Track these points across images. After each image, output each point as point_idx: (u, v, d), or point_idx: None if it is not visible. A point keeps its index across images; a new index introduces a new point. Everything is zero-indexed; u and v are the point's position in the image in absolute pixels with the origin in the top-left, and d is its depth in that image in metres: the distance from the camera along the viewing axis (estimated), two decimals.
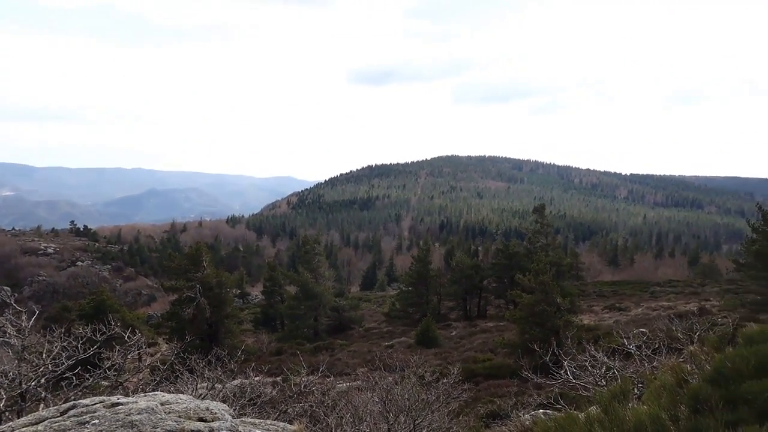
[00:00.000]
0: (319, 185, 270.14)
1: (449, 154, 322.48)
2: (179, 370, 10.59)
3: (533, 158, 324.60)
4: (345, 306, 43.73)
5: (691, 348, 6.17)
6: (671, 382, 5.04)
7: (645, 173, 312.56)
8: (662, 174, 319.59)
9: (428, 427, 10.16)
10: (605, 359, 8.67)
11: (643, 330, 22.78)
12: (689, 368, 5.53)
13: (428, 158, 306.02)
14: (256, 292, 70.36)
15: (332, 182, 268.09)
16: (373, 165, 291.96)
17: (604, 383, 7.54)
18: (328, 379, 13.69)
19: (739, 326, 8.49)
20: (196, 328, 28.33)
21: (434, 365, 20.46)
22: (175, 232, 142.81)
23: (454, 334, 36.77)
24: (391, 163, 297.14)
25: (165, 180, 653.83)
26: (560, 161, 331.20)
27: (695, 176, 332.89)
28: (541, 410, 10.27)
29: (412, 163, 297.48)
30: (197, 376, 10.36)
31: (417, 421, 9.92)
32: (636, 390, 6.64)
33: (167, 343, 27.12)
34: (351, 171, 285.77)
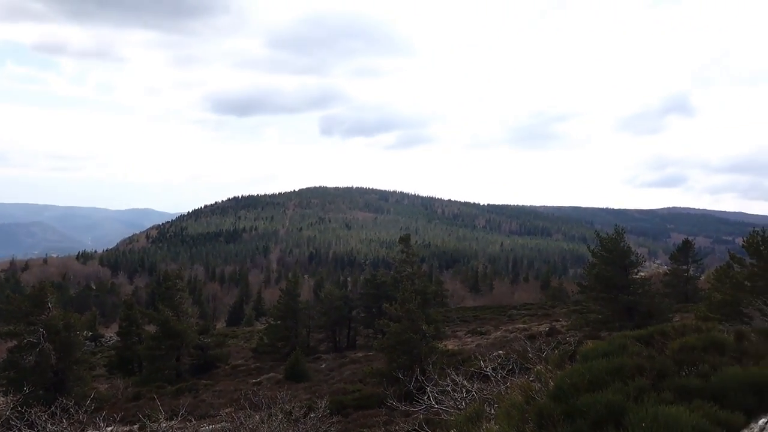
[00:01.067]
0: (181, 217, 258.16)
1: (317, 185, 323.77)
2: (17, 426, 9.52)
3: (399, 189, 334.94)
4: (210, 343, 41.75)
5: (538, 367, 6.67)
6: (520, 401, 5.41)
7: (501, 203, 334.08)
8: (516, 204, 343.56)
9: None
10: (465, 383, 9.07)
11: (501, 352, 24.12)
12: (537, 386, 5.98)
13: (296, 189, 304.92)
14: (111, 334, 65.16)
15: (196, 214, 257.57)
16: (240, 196, 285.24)
17: (464, 406, 7.88)
18: (190, 423, 12.97)
19: (581, 344, 9.32)
20: (38, 377, 25.60)
21: (303, 400, 20.11)
22: (15, 270, 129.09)
23: (323, 366, 36.46)
24: (258, 195, 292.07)
25: (2, 213, 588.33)
26: (424, 192, 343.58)
27: (544, 206, 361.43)
28: None
29: (280, 194, 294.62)
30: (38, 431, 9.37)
31: None
32: (492, 410, 7.02)
33: (3, 396, 24.21)
34: (216, 202, 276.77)
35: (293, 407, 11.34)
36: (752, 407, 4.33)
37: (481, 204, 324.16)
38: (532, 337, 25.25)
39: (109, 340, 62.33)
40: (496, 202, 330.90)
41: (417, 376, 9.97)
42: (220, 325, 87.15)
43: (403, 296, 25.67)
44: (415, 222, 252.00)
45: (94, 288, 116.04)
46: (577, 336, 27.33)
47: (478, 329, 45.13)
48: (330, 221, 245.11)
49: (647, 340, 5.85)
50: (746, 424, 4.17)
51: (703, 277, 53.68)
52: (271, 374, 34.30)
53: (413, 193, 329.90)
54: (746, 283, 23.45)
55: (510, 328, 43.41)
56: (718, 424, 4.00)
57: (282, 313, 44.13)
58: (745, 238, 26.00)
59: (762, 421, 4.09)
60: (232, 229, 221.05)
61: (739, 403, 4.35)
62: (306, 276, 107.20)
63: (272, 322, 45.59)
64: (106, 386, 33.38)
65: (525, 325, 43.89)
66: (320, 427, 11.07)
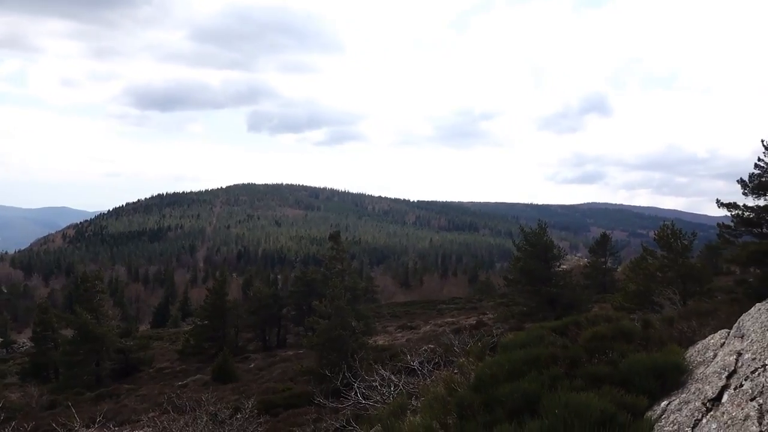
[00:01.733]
0: (101, 216, 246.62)
1: (246, 182, 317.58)
2: None
3: (329, 186, 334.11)
4: (132, 347, 40.21)
5: (461, 360, 6.83)
6: (443, 393, 5.53)
7: (430, 200, 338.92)
8: (445, 200, 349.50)
9: None
10: (392, 378, 9.17)
11: (431, 346, 24.55)
12: (459, 378, 6.12)
13: (224, 186, 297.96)
14: (24, 339, 61.66)
15: (117, 212, 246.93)
16: (164, 194, 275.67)
17: (391, 400, 7.97)
18: (111, 430, 12.48)
19: (503, 336, 9.64)
20: None
21: (231, 401, 19.75)
22: None
23: (252, 366, 35.89)
24: (184, 192, 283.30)
25: None
26: (354, 189, 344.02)
27: (472, 202, 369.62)
28: None
29: (207, 191, 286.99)
30: None
31: None
32: (418, 403, 7.13)
33: None
34: (139, 200, 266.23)
35: (219, 409, 11.12)
36: (655, 391, 4.61)
37: (411, 200, 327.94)
38: (459, 331, 25.82)
39: (22, 346, 58.90)
40: (426, 199, 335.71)
41: (344, 372, 10.00)
42: (144, 327, 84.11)
43: (332, 293, 25.67)
44: (346, 219, 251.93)
45: (5, 291, 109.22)
46: (503, 328, 28.21)
47: (408, 324, 45.71)
48: (259, 218, 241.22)
49: (562, 331, 6.11)
50: (650, 407, 4.44)
51: (619, 269, 56.45)
52: (198, 376, 33.45)
53: (344, 190, 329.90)
54: (658, 273, 24.95)
55: (439, 322, 44.19)
56: (624, 407, 4.23)
57: (209, 313, 43.09)
58: (656, 232, 27.68)
59: (663, 404, 4.36)
60: (156, 227, 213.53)
61: (643, 387, 4.61)
62: (234, 274, 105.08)
63: (199, 323, 44.42)
64: (19, 395, 31.52)
65: (453, 319, 44.80)
66: (247, 427, 10.92)
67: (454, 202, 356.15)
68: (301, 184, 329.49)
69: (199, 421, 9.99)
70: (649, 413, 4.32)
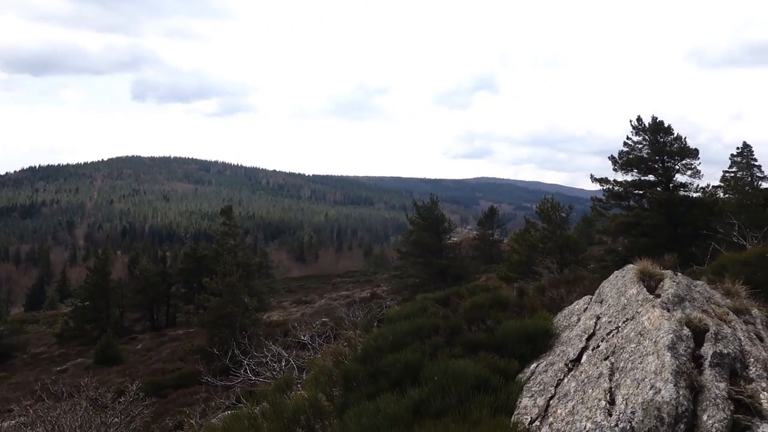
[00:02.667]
0: None
1: (130, 154, 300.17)
2: None
3: (221, 159, 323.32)
4: (3, 331, 37.23)
5: (349, 333, 6.96)
6: (330, 366, 5.62)
7: (326, 174, 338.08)
8: (340, 175, 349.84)
9: None
10: (283, 353, 9.18)
11: (325, 320, 24.74)
12: (347, 351, 6.24)
13: (105, 159, 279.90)
14: None
15: None
16: (37, 166, 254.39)
17: (282, 375, 7.98)
18: None
19: (392, 307, 9.93)
20: None
21: (115, 384, 18.89)
22: None
23: (140, 347, 34.49)
24: (59, 164, 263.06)
25: None
26: (248, 163, 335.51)
27: (367, 177, 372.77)
28: (229, 412, 10.35)
29: (86, 164, 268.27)
30: None
31: None
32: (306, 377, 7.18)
33: None
34: (8, 173, 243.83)
35: (101, 393, 10.60)
36: (526, 354, 4.96)
37: (307, 174, 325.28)
38: (353, 304, 26.20)
39: None
40: (321, 173, 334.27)
41: (233, 350, 9.87)
42: (17, 310, 77.98)
43: (224, 269, 25.11)
44: (239, 193, 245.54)
45: None
46: (396, 300, 28.92)
47: (304, 299, 45.76)
48: (145, 193, 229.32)
49: (445, 301, 6.39)
50: (521, 370, 4.77)
51: (505, 240, 59.41)
52: (79, 360, 31.68)
53: (236, 164, 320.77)
54: (539, 244, 26.55)
55: (334, 295, 44.62)
56: (498, 371, 4.52)
57: (91, 293, 40.68)
58: (537, 205, 29.37)
59: (533, 366, 4.70)
60: (28, 202, 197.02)
61: (516, 352, 4.95)
62: (119, 252, 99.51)
63: (80, 304, 41.79)
64: None
65: (348, 292, 45.39)
66: (132, 411, 10.50)
67: (350, 176, 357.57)
68: (190, 157, 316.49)
69: (78, 408, 9.47)
70: (520, 376, 4.64)
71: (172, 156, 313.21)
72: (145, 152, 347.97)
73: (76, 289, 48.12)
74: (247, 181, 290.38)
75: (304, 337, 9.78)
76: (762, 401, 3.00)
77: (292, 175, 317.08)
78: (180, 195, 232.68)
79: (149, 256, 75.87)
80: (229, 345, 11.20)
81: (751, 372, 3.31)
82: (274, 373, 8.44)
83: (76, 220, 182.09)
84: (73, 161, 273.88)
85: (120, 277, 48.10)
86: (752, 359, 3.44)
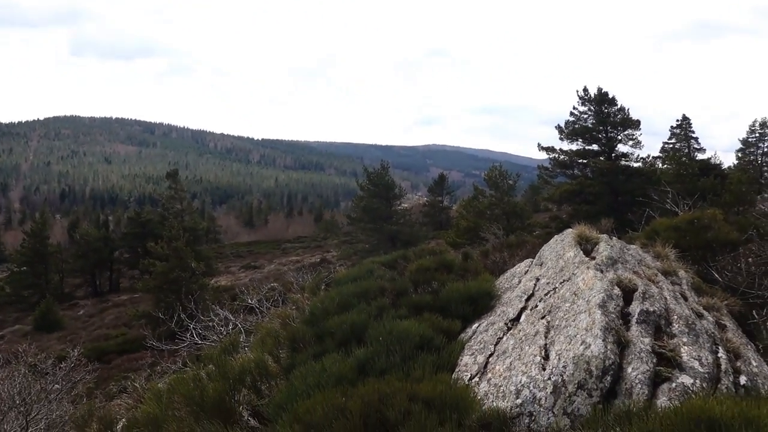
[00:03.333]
0: None
1: (68, 114, 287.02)
2: None
3: (166, 121, 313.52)
4: None
5: (295, 296, 7.01)
6: (277, 328, 5.66)
7: (275, 138, 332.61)
8: (291, 139, 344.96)
9: (46, 419, 9.22)
10: (230, 317, 9.15)
11: (274, 284, 24.70)
12: (294, 314, 6.30)
13: (41, 118, 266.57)
14: None
15: None
16: None
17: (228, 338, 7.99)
18: None
19: (339, 271, 10.02)
20: None
21: (56, 351, 18.47)
22: None
23: (82, 313, 33.67)
24: None
25: None
26: (194, 125, 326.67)
27: (318, 142, 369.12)
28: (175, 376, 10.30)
29: (20, 123, 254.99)
30: None
31: (31, 416, 8.90)
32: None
33: None
34: None
35: (40, 359, 10.36)
36: (469, 315, 5.12)
37: (256, 138, 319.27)
38: (303, 269, 26.19)
39: None
40: (271, 137, 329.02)
41: (179, 314, 9.79)
42: None
43: (170, 234, 24.65)
44: (185, 156, 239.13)
45: None
46: (346, 265, 29.05)
47: (252, 264, 45.43)
48: (86, 155, 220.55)
49: (392, 264, 6.50)
50: (463, 329, 4.94)
51: (454, 207, 60.24)
52: (17, 327, 30.73)
53: (182, 126, 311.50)
54: (486, 211, 27.07)
55: (284, 261, 44.44)
56: (441, 331, 4.67)
57: (28, 258, 39.25)
58: (486, 173, 29.82)
59: (475, 326, 4.87)
60: None
61: (459, 312, 5.11)
62: (58, 216, 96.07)
63: (16, 269, 40.31)
64: None
65: (298, 258, 45.30)
66: (74, 377, 10.32)
67: (300, 141, 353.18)
68: (134, 119, 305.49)
69: (16, 375, 9.24)
70: (462, 335, 4.81)
71: (114, 117, 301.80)
72: (85, 112, 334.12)
73: (12, 254, 46.34)
74: (193, 144, 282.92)
75: (252, 301, 9.77)
76: (682, 354, 3.23)
77: (240, 138, 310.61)
78: (123, 157, 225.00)
79: (90, 220, 73.48)
80: (175, 310, 11.07)
81: (674, 328, 3.54)
82: (221, 336, 8.42)
83: (11, 182, 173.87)
84: (5, 120, 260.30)
85: (59, 241, 46.60)
86: (676, 316, 3.67)
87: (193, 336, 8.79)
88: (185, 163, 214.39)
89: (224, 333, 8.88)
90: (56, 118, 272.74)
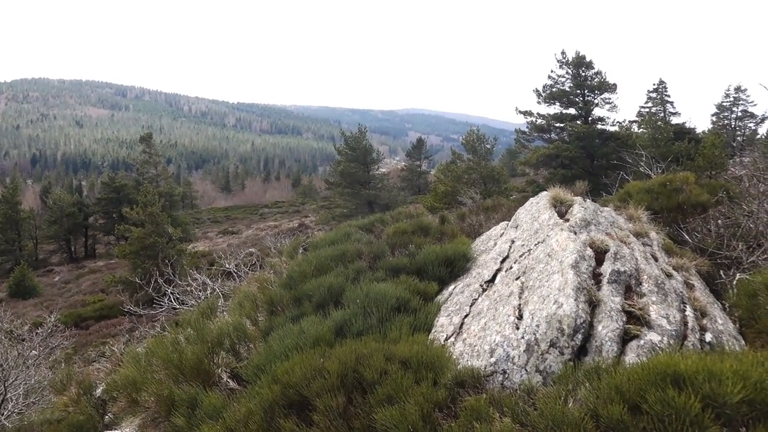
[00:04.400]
0: None
1: (37, 76, 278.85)
2: None
3: (138, 84, 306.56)
4: None
5: (273, 260, 7.00)
6: (255, 292, 5.68)
7: (251, 102, 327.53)
8: (266, 103, 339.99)
9: (24, 384, 9.21)
10: (208, 281, 9.14)
11: (252, 249, 24.66)
12: (272, 278, 6.31)
13: (8, 80, 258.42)
14: None
15: None
16: None
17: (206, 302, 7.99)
18: None
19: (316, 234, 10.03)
20: None
21: (32, 317, 18.35)
22: None
23: (57, 279, 33.36)
24: None
25: None
26: (168, 88, 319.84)
27: (294, 105, 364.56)
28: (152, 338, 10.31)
29: None
30: None
31: (9, 382, 8.87)
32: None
33: None
34: None
35: (16, 326, 10.30)
36: (445, 277, 5.19)
37: (231, 102, 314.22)
38: (281, 234, 26.17)
39: None
40: (247, 101, 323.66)
41: (157, 279, 9.74)
42: None
43: (145, 199, 24.33)
44: (159, 120, 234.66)
45: None
46: (324, 230, 29.06)
47: (230, 229, 45.20)
48: (56, 118, 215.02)
49: (369, 228, 6.51)
50: (440, 291, 5.00)
51: (432, 172, 60.33)
52: None
53: (156, 89, 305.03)
54: (464, 175, 27.12)
55: (261, 226, 44.29)
56: (418, 293, 4.72)
57: (0, 224, 38.54)
58: (464, 137, 29.77)
59: (451, 288, 4.93)
60: None
61: (435, 275, 5.17)
62: (29, 181, 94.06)
63: None
64: None
65: (276, 223, 45.16)
66: (51, 342, 10.29)
67: (277, 105, 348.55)
68: (105, 81, 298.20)
69: None
70: (439, 297, 4.87)
71: (84, 79, 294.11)
72: (54, 74, 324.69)
73: None
74: (167, 107, 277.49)
75: (229, 266, 9.75)
76: (651, 313, 3.32)
77: (215, 102, 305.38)
78: (94, 121, 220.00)
79: (63, 185, 72.20)
80: (152, 275, 11.02)
81: (643, 288, 3.62)
82: (199, 301, 8.43)
83: None
84: None
85: (32, 207, 45.70)
86: (645, 276, 3.75)
87: (171, 301, 8.78)
88: (159, 126, 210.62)
89: (202, 297, 8.88)
90: (24, 80, 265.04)
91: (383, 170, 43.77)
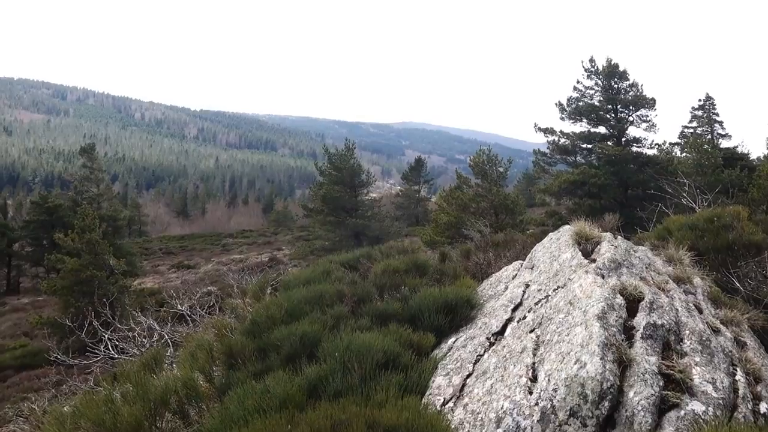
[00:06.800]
0: None
1: None
2: None
3: (81, 85, 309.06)
4: None
5: (235, 301, 6.95)
6: (211, 340, 5.61)
7: (217, 110, 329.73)
8: (235, 111, 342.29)
9: None
10: (155, 326, 9.05)
11: (211, 288, 24.53)
12: (233, 323, 6.25)
13: None
14: None
15: None
16: None
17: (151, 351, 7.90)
18: None
19: (289, 272, 9.98)
20: None
21: None
22: None
23: None
24: None
25: None
26: (117, 91, 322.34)
27: (269, 115, 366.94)
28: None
29: None
30: None
31: None
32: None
33: None
34: None
35: None
36: (444, 327, 5.16)
37: (193, 109, 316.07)
38: (247, 270, 26.05)
39: None
40: (212, 108, 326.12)
41: (92, 322, 9.65)
42: None
43: (83, 224, 24.22)
44: (105, 128, 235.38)
45: None
46: (301, 266, 28.98)
47: (186, 262, 44.99)
48: None
49: (354, 265, 6.49)
50: (438, 344, 4.96)
51: (433, 199, 60.51)
52: None
53: (102, 91, 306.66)
54: (471, 204, 27.22)
55: (224, 259, 44.15)
56: (410, 346, 4.68)
57: None
58: (472, 158, 29.96)
59: (451, 341, 4.90)
60: None
61: (432, 324, 5.14)
62: None
63: None
64: None
65: (242, 256, 45.04)
66: None
67: (248, 114, 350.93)
68: (41, 80, 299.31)
69: None
70: (436, 351, 4.83)
71: (16, 77, 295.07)
72: None
73: None
74: (115, 113, 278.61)
75: (182, 307, 9.68)
76: (693, 377, 3.29)
77: (174, 108, 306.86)
78: (26, 127, 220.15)
79: None
80: (87, 317, 10.91)
81: (685, 345, 3.60)
82: (143, 350, 8.33)
83: None
84: None
85: None
86: (688, 332, 3.74)
87: (108, 349, 8.68)
88: (104, 136, 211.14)
89: (147, 345, 8.78)
90: None
91: (374, 195, 43.90)
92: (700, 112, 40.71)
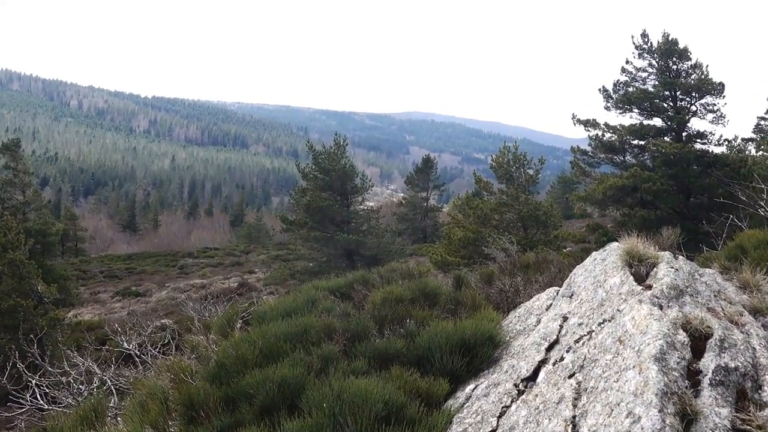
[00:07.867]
0: None
1: None
2: None
3: (4, 66, 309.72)
4: None
5: (193, 337, 6.95)
6: (165, 387, 5.60)
7: (173, 96, 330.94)
8: (196, 99, 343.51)
9: None
10: (95, 368, 9.05)
11: (165, 321, 24.55)
12: (194, 365, 6.24)
13: None
14: None
15: None
16: None
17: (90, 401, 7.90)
18: None
19: (265, 301, 9.96)
20: None
21: None
22: None
23: None
24: None
25: None
26: (48, 73, 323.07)
27: (239, 103, 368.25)
28: None
29: None
30: None
31: None
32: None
33: None
34: None
35: None
36: (461, 371, 5.14)
37: (143, 96, 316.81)
38: (211, 297, 26.02)
39: None
40: (167, 95, 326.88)
41: (15, 362, 9.66)
42: None
43: (5, 240, 24.25)
44: (33, 120, 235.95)
45: None
46: (278, 293, 28.96)
47: (133, 289, 45.00)
48: None
49: (346, 292, 6.49)
50: (452, 393, 4.94)
51: (446, 208, 60.53)
52: None
53: (30, 74, 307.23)
54: (494, 216, 27.20)
55: (182, 285, 44.11)
56: (418, 395, 4.67)
57: None
58: (494, 157, 29.93)
59: (469, 388, 4.89)
60: None
61: (445, 367, 5.12)
62: None
63: None
64: None
65: (204, 280, 45.03)
66: None
67: (212, 101, 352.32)
68: None
69: None
70: (451, 402, 4.82)
71: None
72: None
73: None
74: (46, 101, 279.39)
75: (129, 345, 9.68)
76: None
77: (119, 95, 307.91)
78: None
79: None
80: (10, 357, 10.91)
81: (765, 394, 3.59)
82: (80, 399, 8.32)
83: None
84: None
85: None
86: None
87: (36, 398, 8.67)
88: (32, 129, 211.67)
89: (85, 393, 8.78)
90: None
91: (371, 204, 44.00)
92: None
